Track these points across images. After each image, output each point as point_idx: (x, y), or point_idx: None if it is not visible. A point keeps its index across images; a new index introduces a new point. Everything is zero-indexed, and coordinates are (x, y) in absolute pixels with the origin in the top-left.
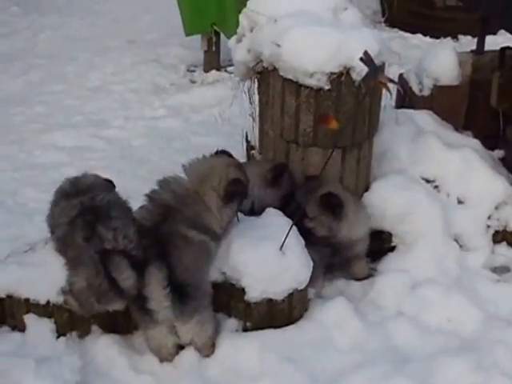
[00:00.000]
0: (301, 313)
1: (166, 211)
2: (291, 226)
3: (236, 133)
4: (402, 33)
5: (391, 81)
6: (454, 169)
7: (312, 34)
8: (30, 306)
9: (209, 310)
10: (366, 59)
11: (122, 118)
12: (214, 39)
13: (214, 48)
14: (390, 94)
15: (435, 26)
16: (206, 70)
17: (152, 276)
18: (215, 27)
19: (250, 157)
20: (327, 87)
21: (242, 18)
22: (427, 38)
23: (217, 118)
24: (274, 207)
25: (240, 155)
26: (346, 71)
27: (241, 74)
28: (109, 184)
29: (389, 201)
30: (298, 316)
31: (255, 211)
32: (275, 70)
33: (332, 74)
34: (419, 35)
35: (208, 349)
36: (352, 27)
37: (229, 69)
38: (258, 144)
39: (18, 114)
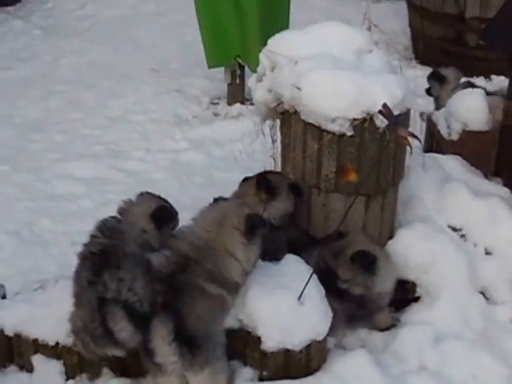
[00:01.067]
0: (319, 364)
1: (185, 262)
2: (311, 275)
3: (258, 169)
4: None
5: (412, 135)
6: (482, 218)
7: (333, 78)
8: (38, 347)
9: (221, 361)
10: (386, 112)
11: (142, 149)
12: (238, 72)
13: (237, 81)
14: (411, 148)
15: (468, 65)
16: (230, 103)
17: (157, 331)
18: (239, 60)
19: None
20: (350, 133)
21: (262, 57)
22: None
23: (239, 154)
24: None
25: None
26: (370, 117)
27: (261, 114)
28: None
29: (413, 250)
30: (317, 367)
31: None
32: (296, 112)
33: (355, 120)
34: None
35: None
36: (376, 72)
37: (253, 101)
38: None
39: (35, 141)
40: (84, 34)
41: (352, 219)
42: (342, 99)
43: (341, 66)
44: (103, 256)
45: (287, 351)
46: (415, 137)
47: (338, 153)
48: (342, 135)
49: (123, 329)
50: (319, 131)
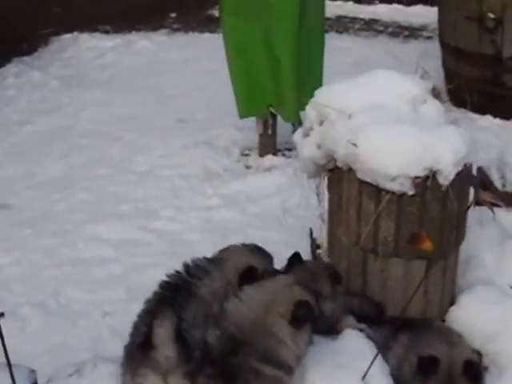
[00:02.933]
0: None
1: (235, 344)
2: (376, 355)
3: (298, 226)
4: (469, 114)
5: (496, 199)
6: None
7: (393, 133)
8: None
9: None
10: (468, 176)
11: (172, 207)
12: (270, 122)
13: (269, 131)
14: (493, 213)
15: (506, 107)
16: (262, 155)
17: None
18: (271, 109)
19: (315, 256)
20: (411, 192)
21: (309, 110)
22: (497, 120)
23: (277, 210)
24: None
25: (304, 252)
26: (432, 175)
27: (308, 172)
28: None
29: (477, 317)
30: None
31: None
32: (351, 170)
33: (416, 178)
34: (488, 116)
35: None
36: (435, 124)
37: (286, 153)
38: (326, 247)
39: (59, 201)
40: (105, 85)
41: (412, 285)
42: (403, 156)
43: (398, 119)
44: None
45: None
46: (498, 201)
47: (397, 214)
48: (402, 195)
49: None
50: (377, 191)
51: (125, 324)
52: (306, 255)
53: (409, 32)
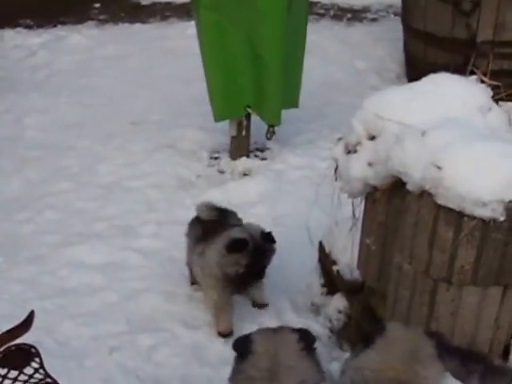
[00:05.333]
0: None
1: None
2: None
3: (291, 236)
4: None
5: None
6: None
7: (482, 153)
8: None
9: None
10: None
11: (151, 223)
12: (245, 123)
13: (244, 133)
14: None
15: None
16: (234, 158)
17: None
18: (249, 110)
19: (330, 273)
20: (502, 218)
21: (356, 122)
22: None
23: (265, 220)
24: None
25: (307, 266)
26: None
27: (352, 192)
28: None
29: None
30: None
31: None
32: (425, 194)
33: (510, 202)
34: None
35: None
36: None
37: (259, 154)
38: (361, 267)
39: (25, 222)
40: (42, 87)
41: (486, 312)
42: (496, 179)
43: (481, 135)
44: None
45: None
46: None
47: (480, 241)
48: (489, 221)
49: None
50: (458, 216)
51: (135, 361)
52: (309, 269)
53: (351, 14)
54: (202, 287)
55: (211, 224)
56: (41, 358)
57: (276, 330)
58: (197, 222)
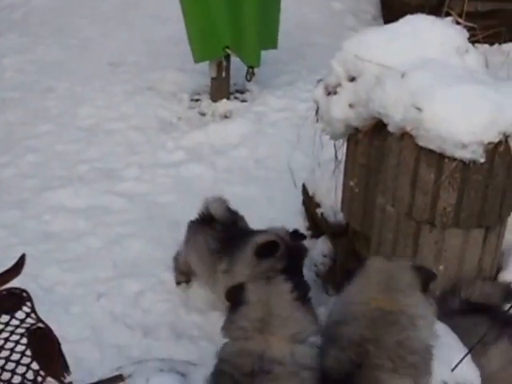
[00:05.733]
0: None
1: (360, 352)
2: (469, 351)
3: (274, 179)
4: None
5: None
6: None
7: (463, 95)
8: None
9: None
10: None
11: (134, 166)
12: (225, 64)
13: (224, 74)
14: None
15: None
16: (215, 100)
17: None
18: (228, 51)
19: (313, 215)
20: (482, 160)
21: (336, 63)
22: None
23: (247, 162)
24: None
25: (290, 209)
26: (505, 139)
27: (334, 133)
28: None
29: None
30: None
31: None
32: (406, 136)
33: (490, 143)
34: None
35: None
36: (498, 80)
37: (239, 96)
38: (347, 211)
39: (5, 165)
40: (20, 27)
41: (468, 255)
42: (476, 120)
43: (461, 76)
44: None
45: None
46: None
47: (461, 183)
48: (470, 162)
49: None
50: (439, 158)
51: (123, 307)
52: (293, 212)
53: None
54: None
55: (223, 230)
56: (32, 302)
57: (269, 280)
58: (203, 226)
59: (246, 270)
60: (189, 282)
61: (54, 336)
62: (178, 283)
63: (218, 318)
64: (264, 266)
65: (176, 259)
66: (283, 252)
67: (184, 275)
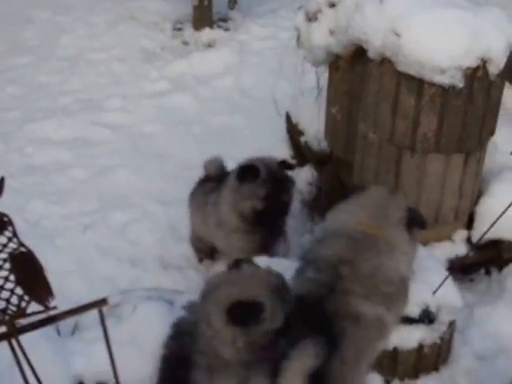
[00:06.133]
0: None
1: (336, 274)
2: (449, 274)
3: (258, 108)
4: None
5: None
6: None
7: (441, 20)
8: None
9: None
10: None
11: (117, 96)
12: None
13: (206, 2)
14: None
15: None
16: (198, 28)
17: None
18: None
19: (298, 143)
20: (461, 85)
21: None
22: None
23: (231, 92)
24: None
25: (275, 138)
26: (483, 64)
27: (315, 60)
28: None
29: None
30: None
31: None
32: (385, 61)
33: (468, 68)
34: None
35: None
36: (477, 5)
37: (222, 25)
38: (331, 140)
39: None
40: None
41: (449, 180)
42: (454, 46)
43: (438, 1)
44: None
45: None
46: None
47: (441, 108)
48: (449, 88)
49: None
50: (419, 84)
51: (109, 239)
52: (278, 141)
53: None
54: (222, 255)
55: (218, 182)
56: (13, 227)
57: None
58: (201, 187)
59: (229, 196)
60: (212, 256)
61: (37, 260)
62: (201, 260)
63: None
64: (245, 190)
65: (190, 238)
66: (265, 178)
67: (202, 251)
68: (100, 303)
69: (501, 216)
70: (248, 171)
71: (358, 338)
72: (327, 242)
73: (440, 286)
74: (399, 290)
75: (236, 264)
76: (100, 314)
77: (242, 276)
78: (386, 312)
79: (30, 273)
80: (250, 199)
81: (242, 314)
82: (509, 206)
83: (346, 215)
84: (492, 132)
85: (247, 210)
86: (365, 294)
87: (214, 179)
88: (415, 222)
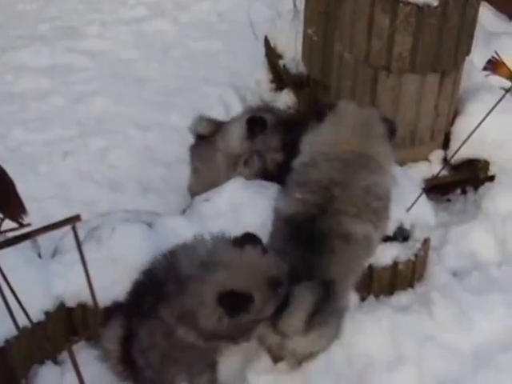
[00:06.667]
0: None
1: (327, 195)
2: (422, 192)
3: (237, 32)
4: None
5: None
6: None
7: None
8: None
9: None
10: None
11: (96, 23)
12: None
13: None
14: None
15: None
16: None
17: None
18: None
19: (276, 67)
20: (436, 3)
21: None
22: None
23: (210, 17)
24: None
25: (254, 61)
26: None
27: None
28: None
29: (485, 124)
30: None
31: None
32: None
33: None
34: None
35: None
36: None
37: None
38: (307, 61)
39: None
40: None
41: (425, 100)
42: None
43: None
44: None
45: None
46: None
47: (416, 27)
48: (423, 7)
49: None
50: (394, 3)
51: (89, 164)
52: (256, 65)
53: None
54: None
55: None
56: None
57: None
58: (199, 143)
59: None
60: None
61: (8, 177)
62: None
63: (184, 172)
64: (259, 145)
65: (189, 189)
66: (274, 124)
67: None
68: (73, 220)
69: (472, 133)
70: (255, 124)
71: (347, 256)
72: (316, 166)
73: (414, 203)
74: (386, 205)
75: (242, 241)
76: (73, 231)
77: (242, 260)
78: (373, 230)
79: (1, 190)
80: (267, 153)
81: (232, 303)
82: (480, 123)
83: (330, 136)
84: (468, 52)
85: (271, 165)
86: (356, 213)
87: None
88: (393, 132)
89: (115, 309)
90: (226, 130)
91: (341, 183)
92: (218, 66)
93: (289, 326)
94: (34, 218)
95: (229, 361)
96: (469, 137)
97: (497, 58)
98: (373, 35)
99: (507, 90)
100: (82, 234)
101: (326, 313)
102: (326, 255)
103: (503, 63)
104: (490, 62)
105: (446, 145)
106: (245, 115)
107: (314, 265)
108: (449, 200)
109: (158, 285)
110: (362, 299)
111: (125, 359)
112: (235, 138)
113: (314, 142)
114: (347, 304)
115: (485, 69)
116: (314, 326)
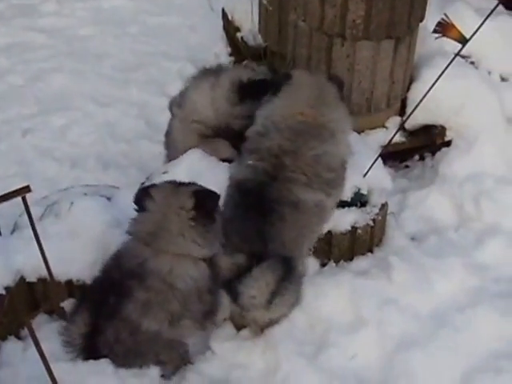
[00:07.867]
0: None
1: (277, 164)
2: (378, 157)
3: (195, 7)
4: None
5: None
6: (491, 41)
7: None
8: (72, 289)
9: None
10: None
11: (52, 0)
12: None
13: None
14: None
15: None
16: None
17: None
18: None
19: (234, 39)
20: None
21: None
22: None
23: None
24: None
25: (214, 36)
26: None
27: None
28: None
29: (441, 91)
30: None
31: None
32: None
33: None
34: None
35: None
36: None
37: None
38: (263, 32)
39: None
40: None
41: (380, 67)
42: None
43: None
44: None
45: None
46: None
47: None
48: None
49: None
50: None
51: (49, 141)
52: (215, 39)
53: None
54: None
55: None
56: None
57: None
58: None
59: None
60: None
61: None
62: None
63: (145, 146)
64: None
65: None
66: None
67: None
68: (22, 190)
69: (424, 97)
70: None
71: (299, 223)
72: (268, 135)
73: (370, 168)
74: (339, 175)
75: None
76: (24, 202)
77: None
78: (325, 197)
79: None
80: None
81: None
82: (431, 87)
83: (284, 107)
84: (421, 18)
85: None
86: (306, 182)
87: None
88: (341, 87)
89: (79, 304)
90: (187, 96)
91: (291, 152)
92: (176, 40)
93: (251, 305)
94: None
95: None
96: (421, 101)
97: (447, 20)
98: (326, 3)
99: (457, 53)
100: (41, 210)
101: (285, 282)
102: (277, 222)
103: (453, 25)
104: (439, 24)
105: (402, 111)
106: (206, 78)
107: (265, 231)
108: (407, 166)
109: (116, 285)
110: (323, 265)
111: (88, 350)
112: (206, 105)
113: (268, 114)
114: (305, 270)
115: (435, 31)
116: (274, 296)
